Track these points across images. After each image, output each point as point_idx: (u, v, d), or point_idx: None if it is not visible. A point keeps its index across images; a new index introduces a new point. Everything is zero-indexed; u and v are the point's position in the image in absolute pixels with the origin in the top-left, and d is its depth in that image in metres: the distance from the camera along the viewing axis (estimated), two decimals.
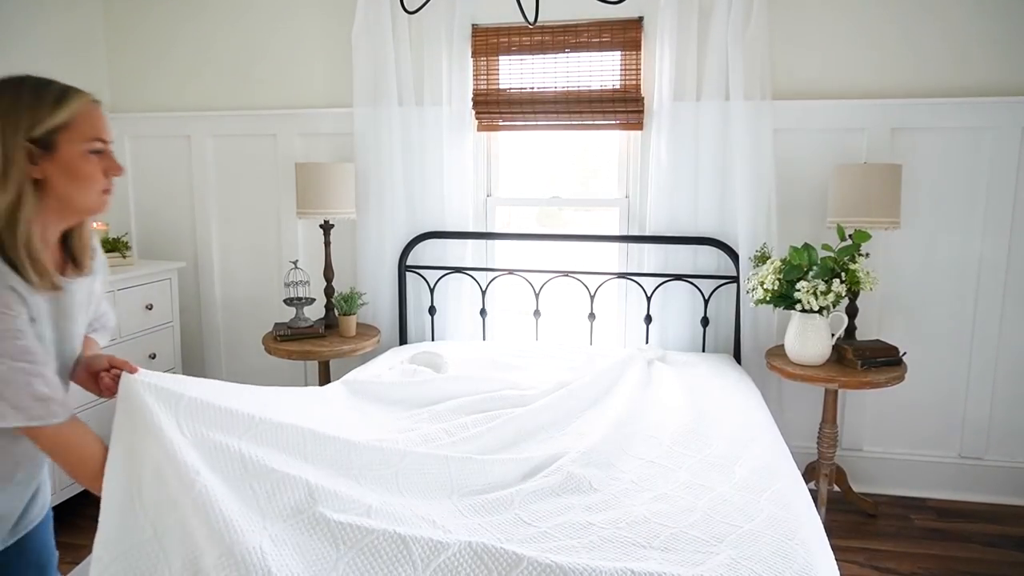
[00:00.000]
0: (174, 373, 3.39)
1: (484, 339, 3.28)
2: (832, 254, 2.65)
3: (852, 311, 2.80)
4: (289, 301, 3.14)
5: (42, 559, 1.52)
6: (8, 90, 1.25)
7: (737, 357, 3.01)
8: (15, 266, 1.22)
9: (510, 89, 3.17)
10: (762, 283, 2.65)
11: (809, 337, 2.63)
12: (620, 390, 2.42)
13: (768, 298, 2.65)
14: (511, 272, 3.23)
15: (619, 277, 3.13)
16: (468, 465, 1.72)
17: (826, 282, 2.58)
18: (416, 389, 2.32)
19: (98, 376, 1.43)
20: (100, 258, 1.47)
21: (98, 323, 1.56)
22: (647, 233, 3.10)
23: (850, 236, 2.67)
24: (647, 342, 3.12)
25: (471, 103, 3.18)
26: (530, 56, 3.12)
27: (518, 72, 3.15)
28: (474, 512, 1.60)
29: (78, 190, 1.27)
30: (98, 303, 1.52)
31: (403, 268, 3.26)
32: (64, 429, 1.27)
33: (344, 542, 1.34)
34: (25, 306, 1.23)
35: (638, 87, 3.05)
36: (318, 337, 3.07)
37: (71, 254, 1.38)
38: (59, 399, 1.26)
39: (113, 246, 3.18)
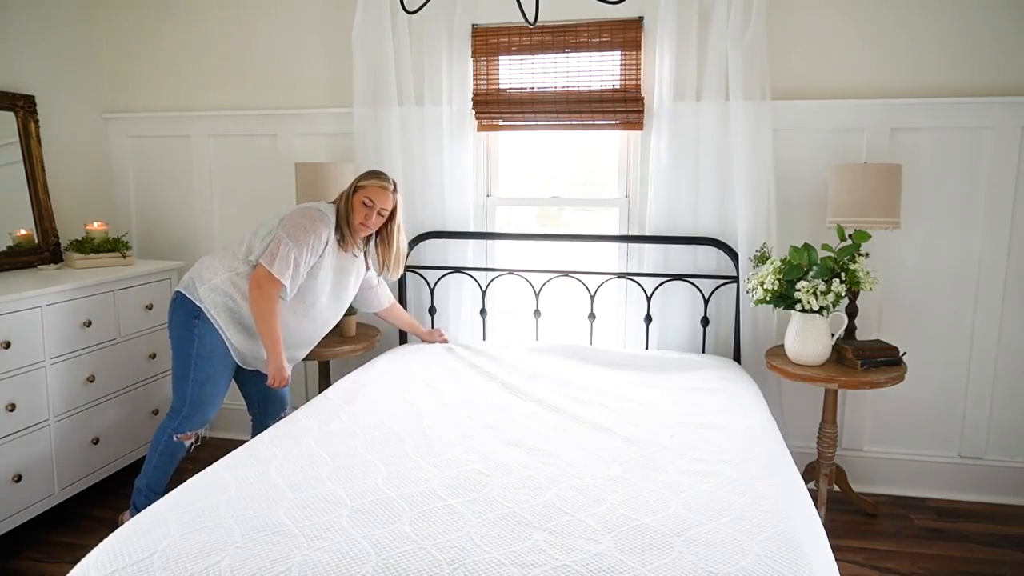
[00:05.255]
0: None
1: (484, 339, 3.28)
2: (832, 254, 2.65)
3: (852, 311, 2.80)
4: None
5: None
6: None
7: (737, 357, 3.01)
8: (341, 232, 2.58)
9: (510, 89, 3.17)
10: (762, 283, 2.65)
11: (809, 337, 2.63)
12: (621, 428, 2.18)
13: (768, 298, 2.65)
14: (511, 272, 3.23)
15: (619, 277, 3.13)
16: None
17: (826, 282, 2.58)
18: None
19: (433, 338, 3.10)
20: (377, 274, 2.89)
21: (374, 282, 2.92)
22: (647, 233, 3.10)
23: (850, 236, 2.67)
24: (647, 342, 3.12)
25: (471, 103, 3.18)
26: (530, 56, 3.12)
27: (518, 72, 3.16)
28: None
29: (352, 217, 2.58)
30: (369, 280, 2.89)
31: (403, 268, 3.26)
32: (276, 293, 2.44)
33: None
34: (326, 244, 2.53)
35: (638, 87, 3.05)
36: None
37: (377, 249, 2.77)
38: (294, 278, 2.45)
39: (113, 246, 3.18)
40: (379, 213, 2.59)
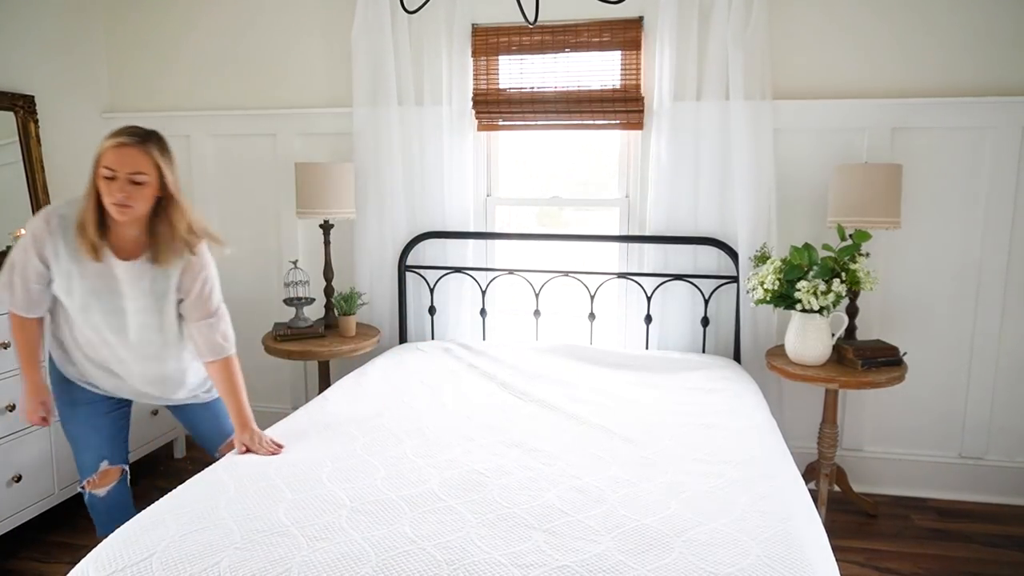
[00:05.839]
0: None
1: (484, 339, 3.28)
2: (832, 254, 2.65)
3: (852, 311, 2.79)
4: (289, 301, 3.14)
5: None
6: None
7: (737, 357, 3.00)
8: (79, 232, 1.88)
9: (510, 89, 3.16)
10: (762, 283, 2.65)
11: (809, 337, 2.63)
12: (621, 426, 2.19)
13: (768, 298, 2.65)
14: (511, 272, 3.23)
15: (619, 277, 3.13)
16: None
17: (826, 282, 2.58)
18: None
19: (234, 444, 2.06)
20: (184, 261, 2.00)
21: (191, 314, 2.05)
22: (647, 233, 3.10)
23: (850, 236, 2.67)
24: (647, 342, 3.12)
25: (471, 103, 3.17)
26: (530, 56, 3.12)
27: (518, 72, 3.15)
28: None
29: (103, 198, 1.84)
30: (190, 299, 2.04)
31: (403, 268, 3.26)
32: (12, 316, 1.98)
33: None
34: (47, 247, 1.90)
35: (638, 87, 3.05)
36: (318, 337, 3.07)
37: (154, 244, 1.95)
38: (11, 289, 1.94)
39: None
40: (132, 181, 1.80)
